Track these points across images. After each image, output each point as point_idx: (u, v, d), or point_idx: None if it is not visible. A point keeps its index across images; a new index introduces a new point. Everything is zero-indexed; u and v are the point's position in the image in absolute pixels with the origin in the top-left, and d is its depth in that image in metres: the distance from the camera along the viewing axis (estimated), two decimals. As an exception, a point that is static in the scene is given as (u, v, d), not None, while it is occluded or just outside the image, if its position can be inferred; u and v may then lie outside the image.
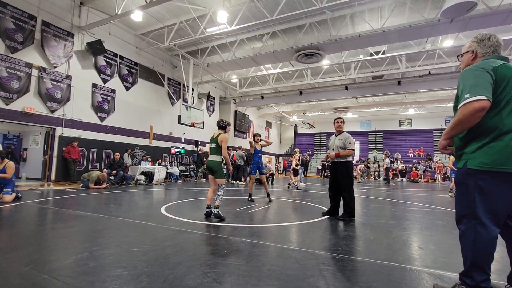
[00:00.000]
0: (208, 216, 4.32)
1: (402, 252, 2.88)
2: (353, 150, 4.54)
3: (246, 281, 2.02)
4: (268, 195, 6.70)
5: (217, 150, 4.44)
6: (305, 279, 2.10)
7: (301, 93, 18.40)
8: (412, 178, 19.31)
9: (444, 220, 4.75)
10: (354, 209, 4.48)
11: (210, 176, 4.51)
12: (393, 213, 5.31)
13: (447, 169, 19.71)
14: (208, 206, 4.39)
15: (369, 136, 27.96)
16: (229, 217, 4.44)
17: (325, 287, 1.98)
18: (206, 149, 16.71)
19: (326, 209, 4.91)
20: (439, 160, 21.46)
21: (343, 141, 4.57)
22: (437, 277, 2.19)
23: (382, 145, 27.05)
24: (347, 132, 4.73)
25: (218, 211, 4.22)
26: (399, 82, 15.65)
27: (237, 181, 12.48)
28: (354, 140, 4.75)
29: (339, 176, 4.58)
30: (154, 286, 1.91)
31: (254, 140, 6.90)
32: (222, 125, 4.63)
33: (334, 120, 4.85)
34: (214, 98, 18.84)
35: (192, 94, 14.07)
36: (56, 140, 9.69)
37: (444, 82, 15.38)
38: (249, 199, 6.51)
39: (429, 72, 14.67)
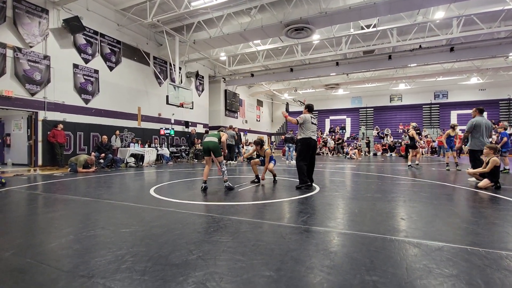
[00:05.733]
0: (204, 190, 4.90)
1: (385, 223, 2.97)
2: (295, 120, 5.31)
3: (230, 257, 2.06)
4: (274, 176, 6.38)
5: (217, 140, 5.23)
6: (288, 252, 2.15)
7: (291, 70, 18.06)
8: (401, 153, 19.67)
9: (428, 192, 4.89)
10: (301, 178, 5.12)
11: (207, 157, 5.20)
12: (379, 187, 5.44)
13: (435, 143, 20.17)
14: (205, 182, 4.99)
15: (360, 112, 28.07)
16: (218, 196, 4.48)
17: (307, 259, 2.03)
18: (198, 129, 16.56)
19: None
20: (428, 134, 21.87)
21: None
22: (416, 246, 2.27)
23: (372, 121, 27.26)
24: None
25: (228, 184, 4.99)
26: (390, 57, 15.48)
27: (229, 161, 12.50)
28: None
29: None
30: (138, 266, 1.92)
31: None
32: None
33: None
34: (203, 77, 18.32)
35: (180, 73, 13.65)
36: (40, 124, 9.39)
37: (434, 56, 15.29)
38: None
39: (420, 46, 14.50)
